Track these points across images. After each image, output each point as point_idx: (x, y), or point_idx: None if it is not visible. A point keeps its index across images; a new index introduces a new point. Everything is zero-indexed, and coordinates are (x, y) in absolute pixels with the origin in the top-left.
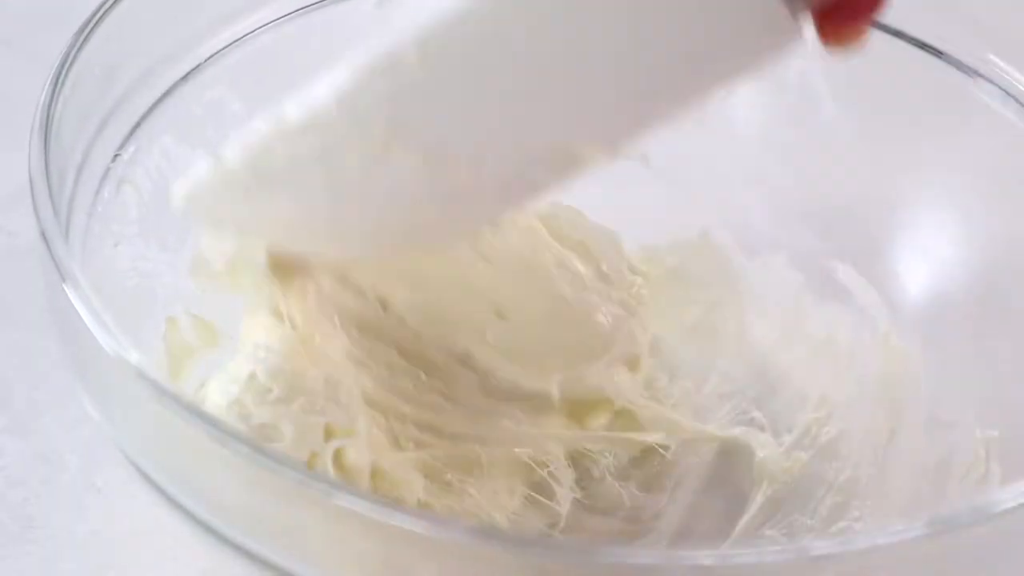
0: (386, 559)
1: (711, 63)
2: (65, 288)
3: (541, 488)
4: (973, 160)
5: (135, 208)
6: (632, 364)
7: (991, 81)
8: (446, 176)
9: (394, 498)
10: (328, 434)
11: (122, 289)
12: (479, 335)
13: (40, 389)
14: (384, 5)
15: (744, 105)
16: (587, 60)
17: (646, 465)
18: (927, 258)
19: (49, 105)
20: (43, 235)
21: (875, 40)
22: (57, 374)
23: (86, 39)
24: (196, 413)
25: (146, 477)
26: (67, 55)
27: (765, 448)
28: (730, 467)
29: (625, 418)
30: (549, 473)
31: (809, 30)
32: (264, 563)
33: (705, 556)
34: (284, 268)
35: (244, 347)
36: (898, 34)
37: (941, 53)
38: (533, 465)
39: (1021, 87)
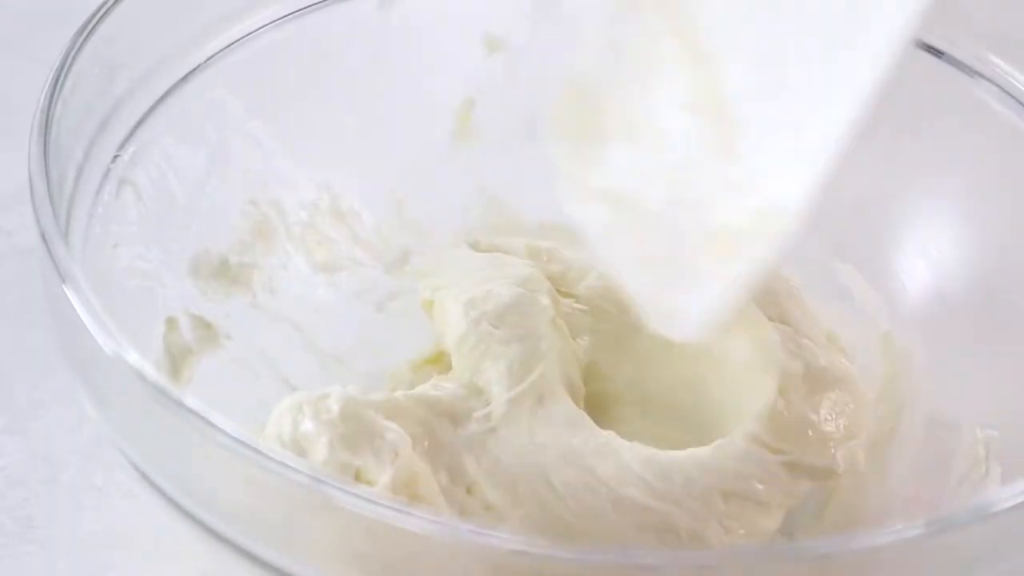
0: (386, 560)
1: None
2: (65, 289)
3: None
4: (974, 160)
5: (135, 209)
6: None
7: (991, 81)
8: None
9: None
10: (356, 476)
11: (122, 290)
12: None
13: (40, 389)
14: (385, 6)
15: None
16: None
17: None
18: (928, 258)
19: (49, 105)
20: (43, 236)
21: None
22: (57, 374)
23: (86, 39)
24: (195, 414)
25: (145, 477)
26: (67, 55)
27: None
28: None
29: None
30: None
31: None
32: (263, 564)
33: (705, 555)
34: None
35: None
36: None
37: (941, 53)
38: None
39: (1021, 87)
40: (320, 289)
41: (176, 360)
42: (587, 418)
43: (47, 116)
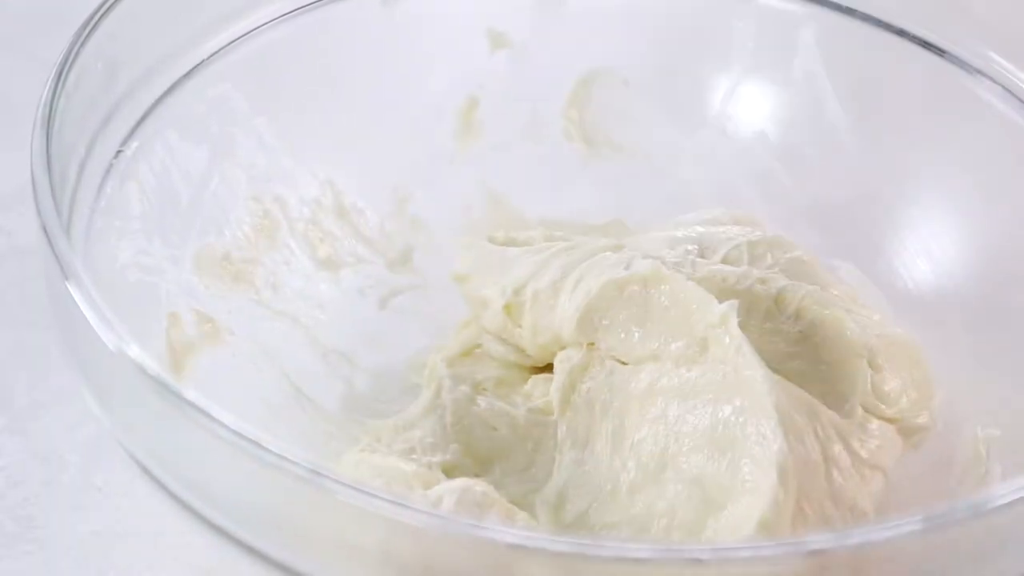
0: (388, 555)
1: None
2: (67, 283)
3: None
4: (975, 158)
5: (138, 204)
6: None
7: (993, 80)
8: None
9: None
10: None
11: (124, 284)
12: None
13: (40, 389)
14: (389, 3)
15: (746, 104)
16: None
17: None
18: (929, 257)
19: (52, 101)
20: (45, 230)
21: (878, 39)
22: (57, 374)
23: (89, 35)
24: (197, 408)
25: (147, 472)
26: (70, 51)
27: None
28: None
29: None
30: None
31: None
32: (266, 559)
33: (701, 550)
34: None
35: None
36: (901, 33)
37: (943, 52)
38: None
39: (1022, 85)
40: (323, 285)
41: (178, 355)
42: None
43: (50, 111)
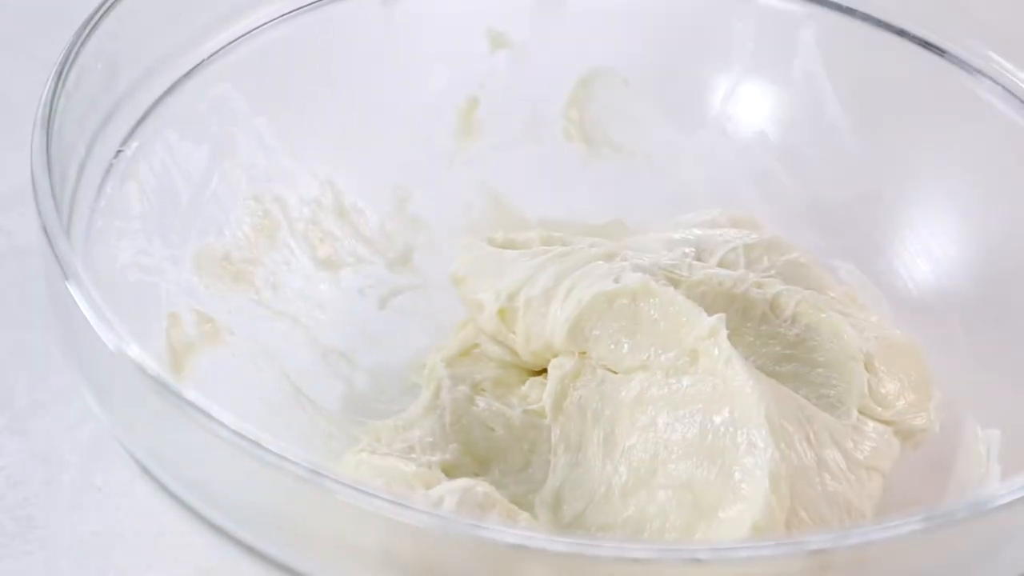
0: (388, 555)
1: None
2: (67, 283)
3: None
4: (975, 158)
5: (138, 204)
6: None
7: (993, 80)
8: None
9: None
10: None
11: (124, 284)
12: None
13: (40, 389)
14: (389, 3)
15: (747, 104)
16: None
17: None
18: (929, 257)
19: (52, 101)
20: (45, 230)
21: (878, 39)
22: (57, 374)
23: (89, 35)
24: (197, 408)
25: (147, 472)
26: (70, 50)
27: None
28: None
29: None
30: None
31: None
32: (266, 559)
33: (701, 550)
34: None
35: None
36: (901, 33)
37: (943, 52)
38: None
39: (1023, 85)
40: (323, 285)
41: (178, 355)
42: None
43: (50, 111)
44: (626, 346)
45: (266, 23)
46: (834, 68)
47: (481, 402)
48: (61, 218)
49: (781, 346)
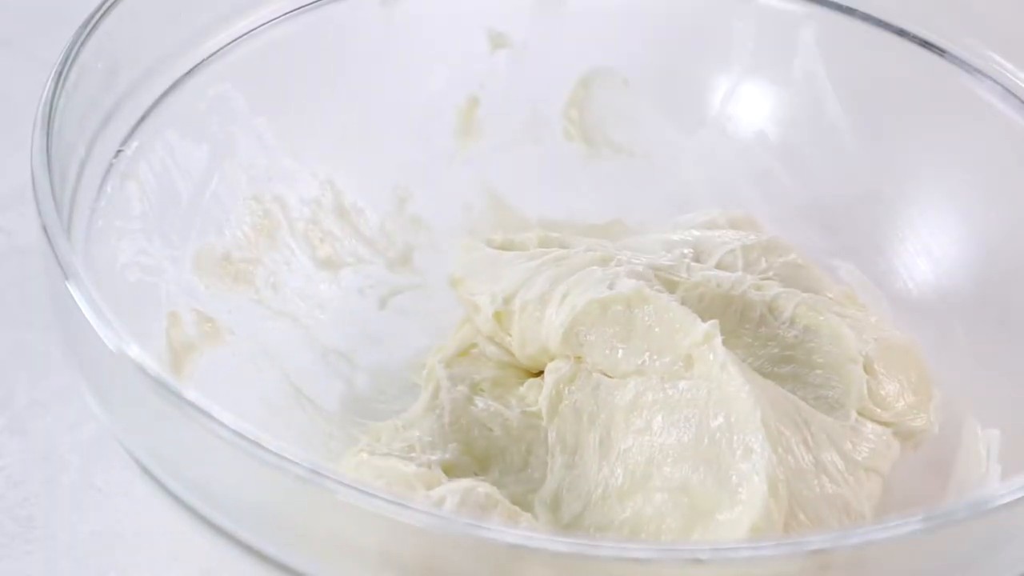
0: (388, 555)
1: None
2: (67, 283)
3: None
4: (975, 158)
5: (138, 203)
6: None
7: (993, 80)
8: None
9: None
10: None
11: (124, 284)
12: None
13: (40, 389)
14: (388, 3)
15: (747, 104)
16: None
17: None
18: (929, 257)
19: (52, 101)
20: (45, 230)
21: (878, 39)
22: (57, 374)
23: (89, 35)
24: (197, 408)
25: (147, 472)
26: (70, 50)
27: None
28: None
29: None
30: None
31: None
32: (266, 559)
33: (701, 550)
34: None
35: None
36: (901, 33)
37: (944, 52)
38: None
39: (1023, 85)
40: (323, 285)
41: (178, 355)
42: None
43: (50, 111)
44: (621, 351)
45: (266, 23)
46: (834, 68)
47: (480, 402)
48: (61, 218)
49: (780, 348)
